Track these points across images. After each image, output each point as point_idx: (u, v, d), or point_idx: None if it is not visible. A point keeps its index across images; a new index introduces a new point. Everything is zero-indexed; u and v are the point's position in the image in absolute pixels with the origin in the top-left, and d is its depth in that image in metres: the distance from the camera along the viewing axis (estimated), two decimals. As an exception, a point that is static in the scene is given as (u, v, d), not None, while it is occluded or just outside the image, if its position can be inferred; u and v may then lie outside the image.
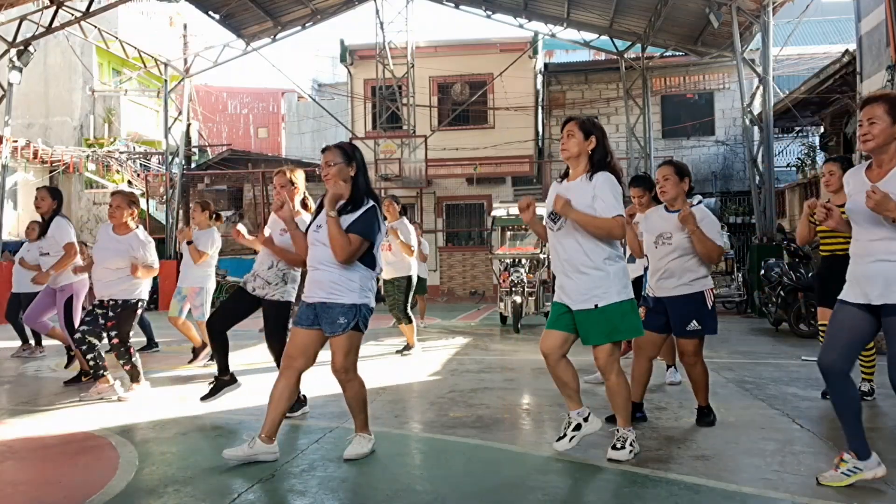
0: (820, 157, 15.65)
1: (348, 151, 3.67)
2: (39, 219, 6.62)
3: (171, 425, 4.54)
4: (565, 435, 3.69)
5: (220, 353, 4.80)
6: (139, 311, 5.44)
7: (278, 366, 4.68)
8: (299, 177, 4.65)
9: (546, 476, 3.40)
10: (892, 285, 2.99)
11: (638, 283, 5.52)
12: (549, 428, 4.35)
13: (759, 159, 14.09)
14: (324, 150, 3.69)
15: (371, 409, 4.82)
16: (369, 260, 3.62)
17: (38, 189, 6.35)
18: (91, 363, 5.35)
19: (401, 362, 7.27)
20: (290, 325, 4.72)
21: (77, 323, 6.10)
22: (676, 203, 4.24)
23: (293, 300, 4.73)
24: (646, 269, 4.47)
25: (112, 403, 5.20)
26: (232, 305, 4.76)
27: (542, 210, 3.99)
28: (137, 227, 5.45)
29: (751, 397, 5.13)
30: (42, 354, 7.92)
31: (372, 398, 5.30)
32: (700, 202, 4.28)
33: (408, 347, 7.71)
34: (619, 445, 3.56)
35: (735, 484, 3.16)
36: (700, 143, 19.87)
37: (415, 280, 7.76)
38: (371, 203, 3.61)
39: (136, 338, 8.11)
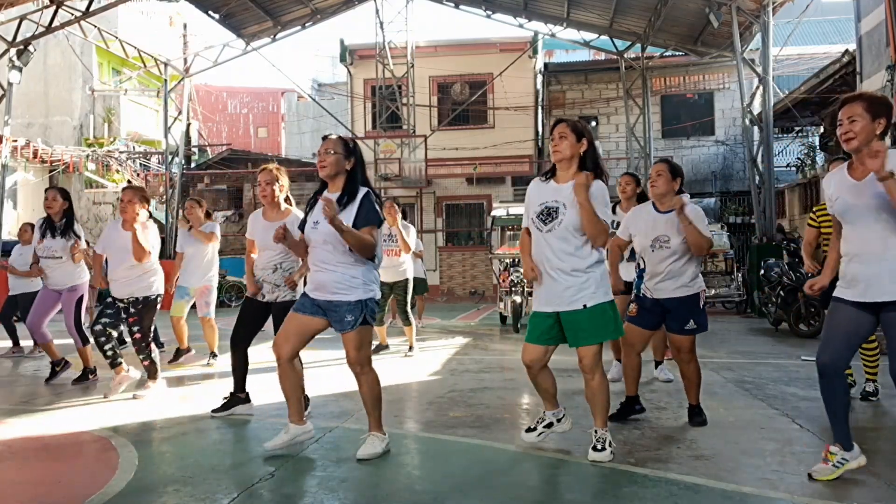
0: (820, 158, 15.67)
1: (349, 144, 3.68)
2: (34, 220, 6.55)
3: (171, 425, 4.54)
4: (535, 428, 3.82)
5: (242, 370, 4.76)
6: (158, 306, 5.50)
7: None
8: (283, 176, 4.74)
9: (545, 476, 3.40)
10: (893, 282, 3.02)
11: (629, 285, 5.55)
12: (548, 428, 4.35)
13: (759, 159, 14.10)
14: (325, 138, 3.69)
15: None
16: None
17: (49, 189, 6.23)
18: (109, 353, 5.39)
19: (401, 362, 7.27)
20: None
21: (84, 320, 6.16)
22: (664, 200, 4.24)
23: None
24: (641, 269, 4.47)
25: (112, 403, 5.21)
26: (250, 319, 4.70)
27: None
28: (147, 220, 5.43)
29: (751, 397, 5.13)
30: (40, 354, 7.88)
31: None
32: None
33: (410, 348, 7.74)
34: (599, 447, 3.56)
35: (735, 484, 3.16)
36: (700, 143, 19.88)
37: (411, 282, 7.78)
38: (365, 190, 3.62)
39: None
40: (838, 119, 3.14)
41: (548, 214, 3.59)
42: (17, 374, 6.79)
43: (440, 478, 3.38)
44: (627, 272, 5.53)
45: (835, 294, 3.24)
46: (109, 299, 5.42)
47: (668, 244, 4.16)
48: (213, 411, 4.69)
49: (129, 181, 21.26)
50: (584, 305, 3.53)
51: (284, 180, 4.73)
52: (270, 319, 4.69)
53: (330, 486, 3.27)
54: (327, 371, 6.40)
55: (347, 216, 3.52)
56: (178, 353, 7.20)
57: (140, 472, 3.47)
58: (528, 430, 3.83)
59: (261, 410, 4.87)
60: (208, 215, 7.11)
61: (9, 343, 8.27)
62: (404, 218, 7.95)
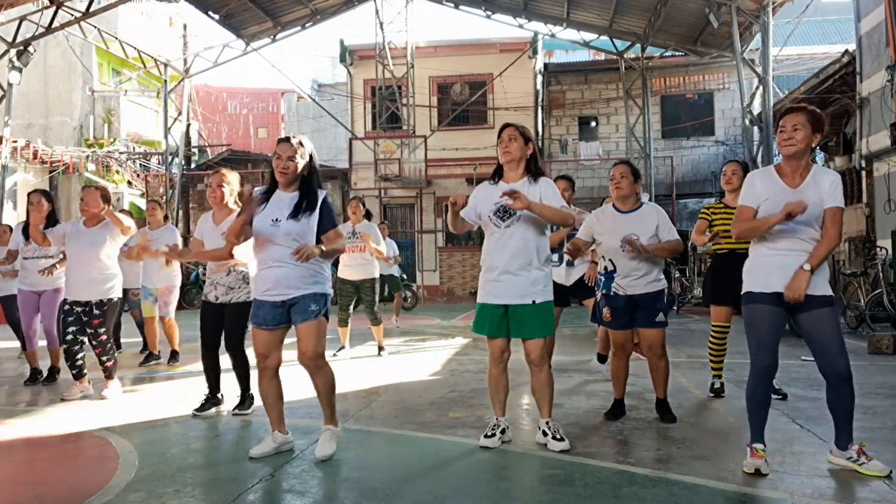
0: (820, 158, 15.66)
1: (307, 150, 3.70)
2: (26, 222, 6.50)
3: (171, 425, 4.54)
4: (494, 434, 3.89)
5: (215, 372, 4.90)
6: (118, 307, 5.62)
7: (235, 362, 4.74)
8: (233, 178, 4.84)
9: (545, 476, 3.40)
10: (821, 278, 3.32)
11: (581, 282, 5.69)
12: (548, 428, 4.35)
13: (759, 159, 14.10)
14: (281, 142, 3.68)
15: (371, 409, 4.83)
16: None
17: (33, 193, 6.18)
18: (79, 362, 5.44)
19: (401, 362, 7.28)
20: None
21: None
22: (628, 202, 4.43)
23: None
24: (610, 271, 4.52)
25: (111, 403, 5.21)
26: (211, 323, 4.78)
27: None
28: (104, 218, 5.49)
29: (751, 397, 5.13)
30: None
31: (371, 398, 5.31)
32: (649, 199, 4.45)
33: (380, 349, 7.74)
34: (559, 436, 3.79)
35: (735, 484, 3.16)
36: (700, 143, 19.88)
37: (378, 281, 7.71)
38: (324, 193, 3.70)
39: (134, 338, 8.13)
40: (780, 126, 3.35)
41: (504, 212, 3.79)
42: (18, 375, 6.79)
43: (440, 478, 3.38)
44: (561, 275, 5.71)
45: (753, 290, 3.40)
46: (67, 307, 5.40)
47: (637, 241, 4.30)
48: (196, 411, 4.80)
49: (129, 182, 21.28)
50: (534, 301, 3.77)
51: (234, 184, 4.82)
52: None
53: (329, 486, 3.27)
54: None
55: (310, 222, 3.59)
56: (150, 357, 7.35)
57: (140, 472, 3.47)
58: (487, 436, 3.89)
59: (259, 410, 4.87)
60: (166, 218, 7.29)
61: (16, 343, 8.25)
62: (367, 217, 7.79)
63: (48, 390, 5.85)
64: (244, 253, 4.71)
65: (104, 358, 5.41)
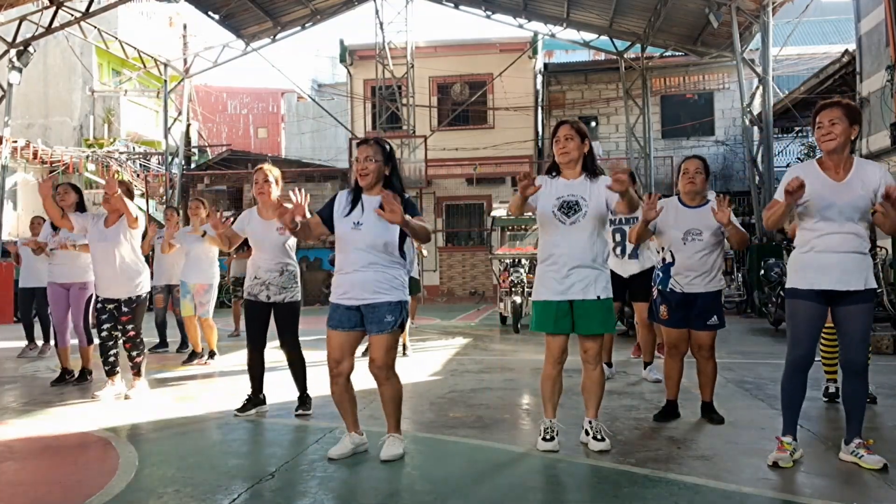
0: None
1: (388, 150, 3.64)
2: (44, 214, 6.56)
3: (171, 425, 4.54)
4: (553, 438, 3.77)
5: (260, 373, 4.82)
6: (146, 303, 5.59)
7: (291, 363, 4.71)
8: (276, 174, 4.75)
9: (546, 476, 3.40)
10: (864, 273, 3.37)
11: (648, 275, 5.44)
12: (549, 428, 4.35)
13: (759, 159, 14.10)
14: (361, 144, 3.64)
15: (371, 409, 4.83)
16: (404, 254, 3.68)
17: (60, 185, 6.02)
18: (111, 358, 5.43)
19: (400, 362, 7.26)
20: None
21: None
22: (697, 198, 4.31)
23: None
24: (668, 263, 4.36)
25: (111, 403, 5.21)
26: (260, 323, 4.70)
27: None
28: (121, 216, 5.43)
29: (751, 397, 5.14)
30: (50, 354, 7.84)
31: (371, 398, 5.31)
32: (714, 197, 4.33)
33: (404, 348, 7.71)
34: (600, 437, 3.73)
35: (735, 484, 3.16)
36: (700, 143, 19.87)
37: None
38: (407, 196, 3.64)
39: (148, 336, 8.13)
40: (818, 122, 3.37)
41: (569, 208, 3.71)
42: (18, 375, 6.79)
43: (440, 478, 3.38)
44: (618, 266, 5.67)
45: (796, 286, 3.46)
46: (99, 305, 5.39)
47: (700, 237, 4.22)
48: (237, 411, 4.72)
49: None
50: (598, 297, 3.71)
51: (279, 179, 4.76)
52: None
53: (330, 486, 3.27)
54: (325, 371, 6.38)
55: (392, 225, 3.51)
56: (193, 356, 7.24)
57: (140, 472, 3.47)
58: (546, 439, 3.76)
59: (263, 413, 4.87)
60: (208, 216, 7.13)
61: (21, 343, 8.28)
62: None
63: (49, 390, 5.85)
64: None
65: (134, 353, 5.41)
